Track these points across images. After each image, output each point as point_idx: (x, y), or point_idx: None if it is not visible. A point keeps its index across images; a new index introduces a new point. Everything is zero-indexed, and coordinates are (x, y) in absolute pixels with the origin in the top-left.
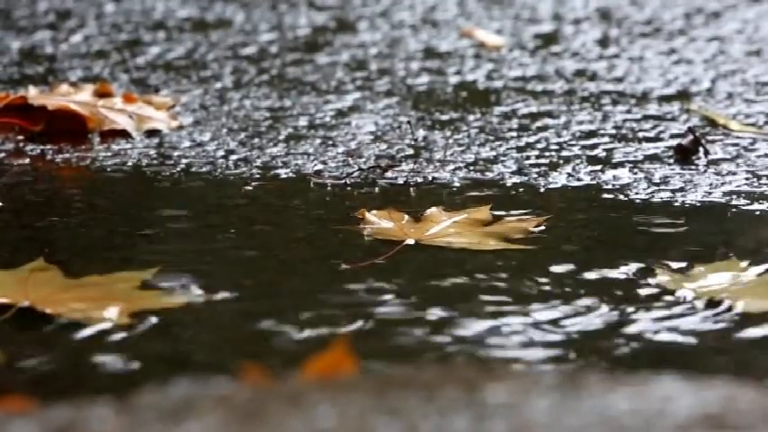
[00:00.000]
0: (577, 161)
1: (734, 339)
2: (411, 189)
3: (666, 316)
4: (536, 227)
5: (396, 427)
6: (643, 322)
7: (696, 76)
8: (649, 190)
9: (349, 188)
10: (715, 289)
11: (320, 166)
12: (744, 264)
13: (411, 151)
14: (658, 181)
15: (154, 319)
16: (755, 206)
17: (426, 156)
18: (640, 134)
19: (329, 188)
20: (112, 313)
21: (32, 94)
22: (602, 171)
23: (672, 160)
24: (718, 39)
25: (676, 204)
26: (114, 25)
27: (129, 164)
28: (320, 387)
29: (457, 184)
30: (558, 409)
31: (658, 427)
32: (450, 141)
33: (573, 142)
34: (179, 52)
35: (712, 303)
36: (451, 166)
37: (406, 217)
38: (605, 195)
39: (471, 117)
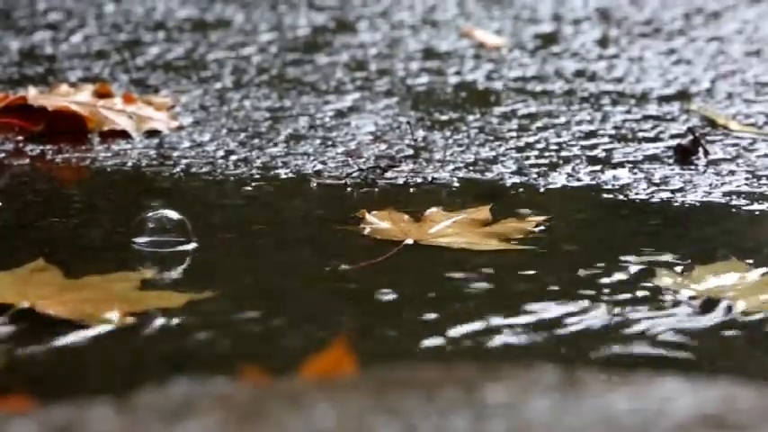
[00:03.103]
0: (577, 161)
1: (734, 339)
2: (411, 189)
3: (666, 316)
4: (536, 227)
5: (395, 426)
6: (643, 322)
7: (696, 76)
8: (649, 190)
9: (349, 188)
10: (715, 289)
11: (320, 167)
12: (744, 264)
13: (411, 151)
14: (658, 181)
15: (153, 319)
16: (755, 206)
17: (426, 156)
18: (640, 134)
19: (329, 188)
20: (112, 313)
21: (32, 94)
22: (602, 171)
23: (671, 160)
24: (717, 39)
25: (676, 205)
26: (114, 25)
27: (129, 164)
28: (319, 387)
29: (456, 185)
30: (557, 408)
31: (658, 427)
32: (450, 141)
33: (572, 142)
34: (179, 52)
35: (712, 303)
36: (451, 167)
37: (406, 217)
38: (605, 196)
39: (471, 117)
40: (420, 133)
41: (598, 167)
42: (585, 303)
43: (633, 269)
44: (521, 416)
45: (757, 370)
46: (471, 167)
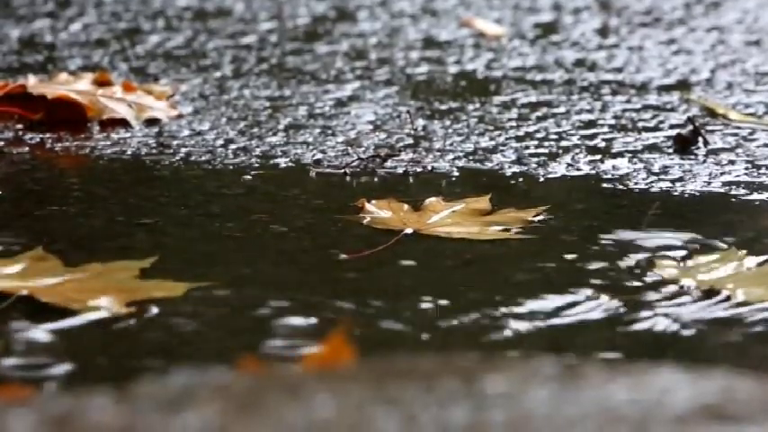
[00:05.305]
0: (577, 151)
1: (733, 329)
2: (410, 178)
3: (666, 306)
4: (535, 216)
5: (394, 417)
6: (642, 312)
7: (695, 66)
8: (649, 180)
9: (348, 178)
10: (714, 279)
11: (319, 156)
12: (743, 254)
13: (410, 141)
14: (658, 171)
15: (152, 309)
16: (755, 196)
17: (426, 145)
18: (640, 124)
19: (329, 177)
20: (111, 302)
21: (32, 82)
22: (602, 161)
23: (671, 150)
24: (717, 29)
25: (676, 194)
26: (113, 14)
27: (129, 153)
28: (319, 377)
29: (456, 174)
30: (557, 399)
31: (657, 417)
32: (450, 131)
33: (572, 132)
34: (178, 41)
35: (712, 293)
36: (451, 156)
37: (406, 206)
38: (604, 185)
39: (471, 107)
40: (420, 122)
41: (598, 157)
42: (585, 293)
43: (633, 259)
44: (520, 406)
45: (756, 360)
46: (471, 157)
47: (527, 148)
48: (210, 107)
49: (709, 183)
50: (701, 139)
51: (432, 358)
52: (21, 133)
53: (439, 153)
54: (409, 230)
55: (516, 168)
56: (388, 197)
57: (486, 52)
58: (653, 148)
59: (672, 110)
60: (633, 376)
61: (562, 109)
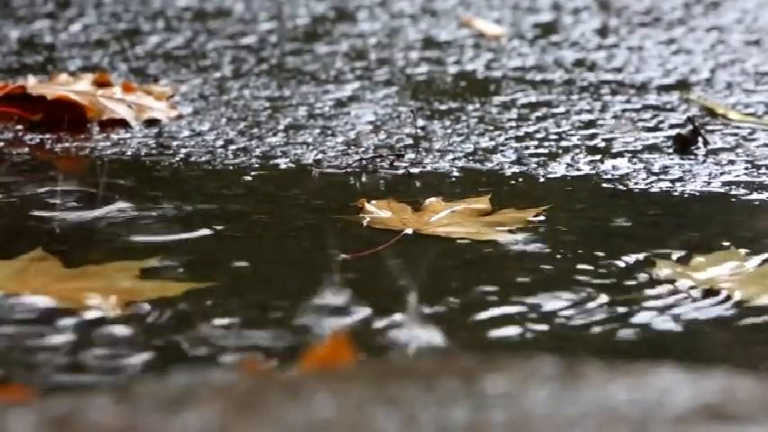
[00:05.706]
0: (577, 151)
1: (733, 329)
2: (410, 179)
3: (665, 306)
4: (535, 216)
5: (394, 417)
6: (642, 312)
7: (695, 65)
8: (648, 180)
9: (348, 178)
10: (714, 279)
11: (320, 156)
12: (743, 254)
13: (410, 141)
14: (657, 171)
15: (153, 309)
16: (754, 196)
17: (426, 145)
18: (640, 124)
19: (329, 178)
20: (111, 303)
21: (31, 83)
22: (602, 161)
23: (671, 150)
24: (717, 28)
25: (675, 194)
26: (113, 14)
27: (129, 153)
28: (319, 377)
29: (456, 174)
30: (556, 399)
31: (657, 417)
32: (450, 131)
33: (572, 132)
34: (178, 42)
35: (711, 293)
36: (451, 156)
37: (406, 207)
38: (604, 185)
39: (470, 107)
40: (419, 123)
41: (597, 157)
42: (585, 293)
43: (632, 259)
44: (520, 406)
45: (756, 360)
46: (471, 157)
47: (527, 148)
48: (210, 108)
49: (709, 183)
50: (700, 139)
51: (431, 358)
52: (20, 134)
53: (439, 153)
54: (409, 230)
55: (516, 168)
56: (388, 197)
57: (486, 52)
58: (653, 147)
59: (671, 110)
60: (633, 376)
61: (562, 109)
